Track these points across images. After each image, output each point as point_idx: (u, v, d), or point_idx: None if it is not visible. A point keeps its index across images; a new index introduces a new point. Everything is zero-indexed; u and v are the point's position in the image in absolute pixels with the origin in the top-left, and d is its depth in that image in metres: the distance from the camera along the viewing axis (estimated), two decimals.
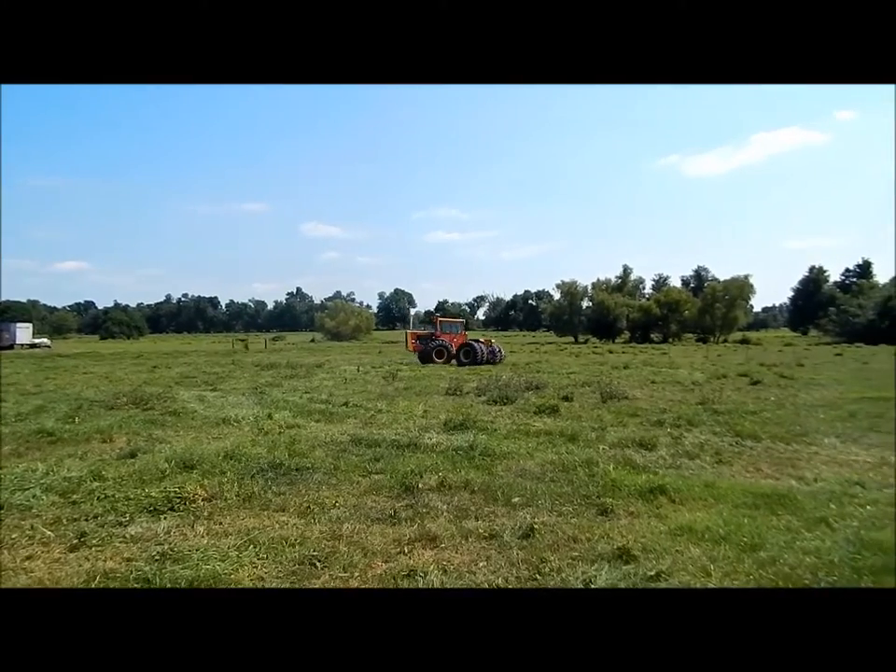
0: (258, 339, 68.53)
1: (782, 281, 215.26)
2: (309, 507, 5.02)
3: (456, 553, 4.06)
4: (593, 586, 3.47)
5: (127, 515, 4.77)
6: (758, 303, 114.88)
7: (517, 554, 3.98)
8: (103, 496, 5.24)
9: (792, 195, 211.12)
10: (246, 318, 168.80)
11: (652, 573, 3.60)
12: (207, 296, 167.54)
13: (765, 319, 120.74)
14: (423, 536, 4.32)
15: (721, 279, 71.25)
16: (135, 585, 3.54)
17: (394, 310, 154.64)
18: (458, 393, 12.74)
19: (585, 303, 70.04)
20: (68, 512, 4.86)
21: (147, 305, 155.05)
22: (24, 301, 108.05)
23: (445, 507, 4.99)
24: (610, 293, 67.80)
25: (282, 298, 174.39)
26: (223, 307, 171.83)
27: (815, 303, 73.48)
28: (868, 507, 4.89)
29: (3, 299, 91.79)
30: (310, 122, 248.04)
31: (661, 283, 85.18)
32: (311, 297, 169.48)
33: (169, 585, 3.51)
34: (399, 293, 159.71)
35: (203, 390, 13.87)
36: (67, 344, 60.50)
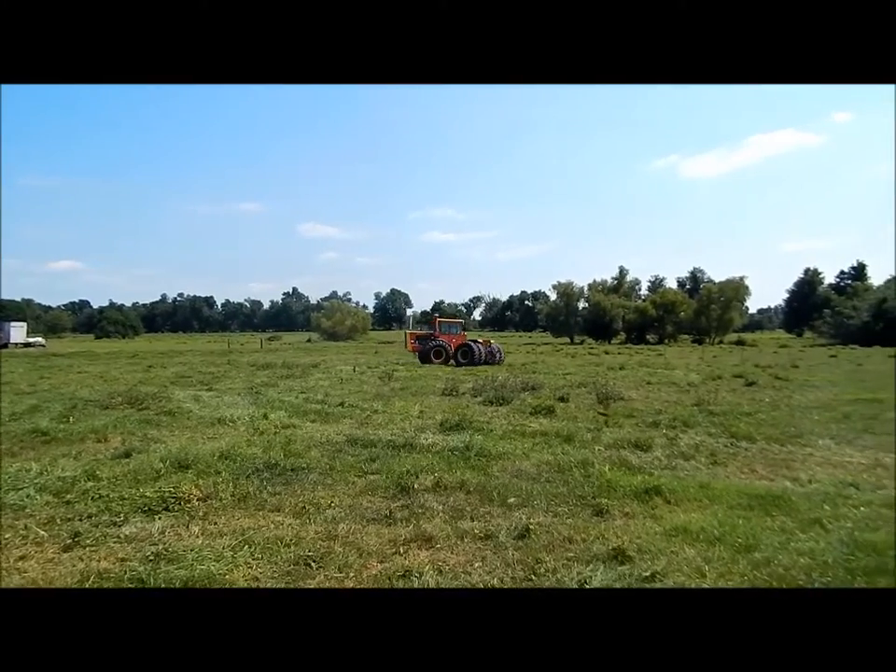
0: (253, 339, 68.36)
1: (777, 283, 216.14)
2: (304, 507, 5.01)
3: (452, 553, 4.06)
4: (588, 587, 3.48)
5: (121, 515, 4.75)
6: (753, 305, 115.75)
7: (513, 555, 3.98)
8: (97, 495, 5.22)
9: (788, 197, 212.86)
10: (242, 318, 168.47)
11: (647, 574, 3.61)
12: (203, 295, 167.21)
13: (761, 321, 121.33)
14: (418, 536, 4.32)
15: (717, 281, 71.52)
16: (130, 585, 3.53)
17: (390, 310, 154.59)
18: (454, 393, 12.74)
19: (581, 304, 70.16)
20: (62, 512, 4.83)
21: (143, 305, 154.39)
22: (19, 299, 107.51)
23: (441, 507, 4.99)
24: (607, 294, 67.89)
25: (278, 298, 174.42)
26: (219, 307, 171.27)
27: (810, 305, 73.81)
28: (862, 508, 4.92)
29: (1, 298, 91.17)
30: (308, 122, 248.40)
31: (657, 284, 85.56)
32: (307, 297, 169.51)
33: (163, 585, 3.50)
34: (395, 293, 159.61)
35: (198, 390, 13.83)
36: (62, 344, 60.21)
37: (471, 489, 5.51)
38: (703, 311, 63.64)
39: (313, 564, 3.85)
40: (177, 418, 9.48)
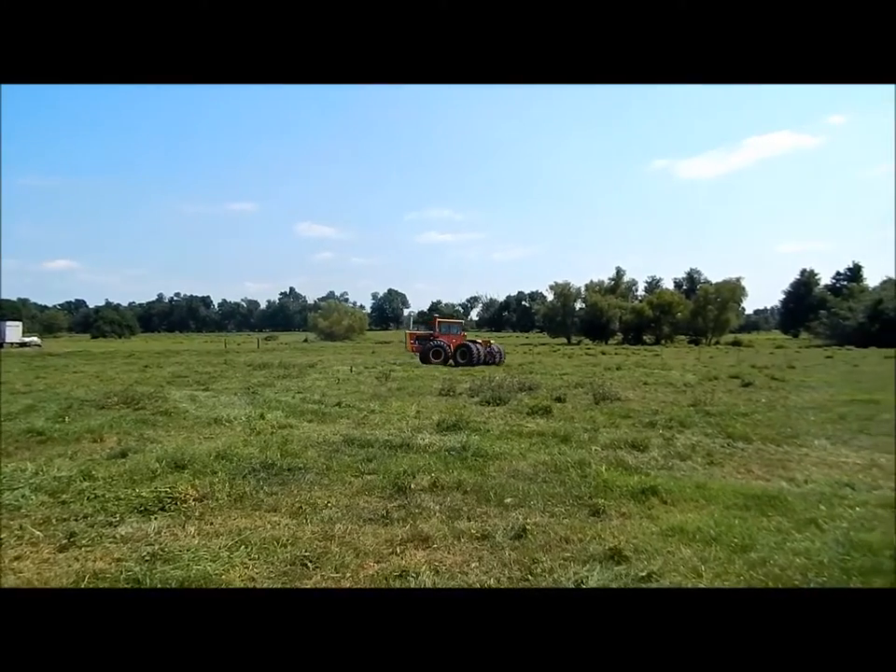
0: (250, 338, 68.21)
1: (774, 284, 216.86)
2: (301, 507, 5.00)
3: (449, 553, 4.06)
4: (584, 587, 3.49)
5: (117, 515, 4.73)
6: (749, 306, 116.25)
7: (509, 555, 3.98)
8: (93, 495, 5.19)
9: (785, 198, 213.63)
10: (239, 318, 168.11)
11: (644, 574, 3.62)
12: (200, 295, 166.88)
13: (757, 322, 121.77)
14: (415, 536, 4.32)
15: (714, 281, 71.83)
16: (126, 586, 3.51)
17: (387, 310, 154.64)
18: (451, 394, 12.74)
19: (578, 305, 70.32)
20: (58, 512, 4.81)
21: (139, 304, 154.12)
22: (14, 299, 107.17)
23: (437, 507, 4.99)
24: (603, 295, 68.08)
25: (275, 297, 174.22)
26: (215, 306, 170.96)
27: (806, 306, 74.21)
28: (857, 508, 4.94)
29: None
30: (305, 122, 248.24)
31: (653, 285, 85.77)
32: (304, 297, 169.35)
33: (160, 586, 3.48)
34: (392, 293, 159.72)
35: (194, 390, 13.79)
36: (58, 343, 59.95)
37: (468, 489, 5.51)
38: (699, 312, 63.91)
39: (309, 564, 3.85)
40: (174, 418, 9.45)
